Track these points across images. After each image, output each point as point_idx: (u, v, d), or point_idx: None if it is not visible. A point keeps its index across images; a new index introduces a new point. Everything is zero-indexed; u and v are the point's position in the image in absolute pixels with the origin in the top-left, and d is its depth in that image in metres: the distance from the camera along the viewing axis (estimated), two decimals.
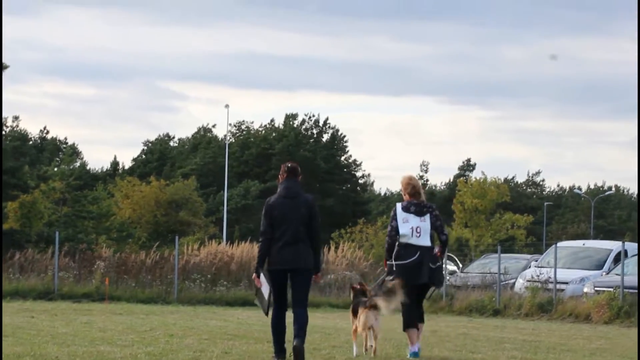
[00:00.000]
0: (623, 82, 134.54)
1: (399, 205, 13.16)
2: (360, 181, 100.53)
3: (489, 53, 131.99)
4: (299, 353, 11.57)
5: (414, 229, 12.97)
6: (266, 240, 11.78)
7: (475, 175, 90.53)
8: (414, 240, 12.97)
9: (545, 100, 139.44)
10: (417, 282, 12.96)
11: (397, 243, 13.04)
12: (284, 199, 11.78)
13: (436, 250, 13.15)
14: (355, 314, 12.93)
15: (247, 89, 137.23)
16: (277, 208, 11.76)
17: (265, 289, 11.94)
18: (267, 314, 12.00)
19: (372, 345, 12.87)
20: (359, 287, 13.22)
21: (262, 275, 11.90)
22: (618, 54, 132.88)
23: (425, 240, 13.01)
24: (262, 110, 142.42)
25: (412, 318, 13.07)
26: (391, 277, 12.93)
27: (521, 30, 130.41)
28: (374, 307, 12.66)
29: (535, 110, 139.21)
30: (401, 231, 12.99)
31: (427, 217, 13.04)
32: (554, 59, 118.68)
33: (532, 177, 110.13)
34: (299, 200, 11.78)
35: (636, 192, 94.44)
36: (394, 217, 13.08)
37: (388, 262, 13.13)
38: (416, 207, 13.06)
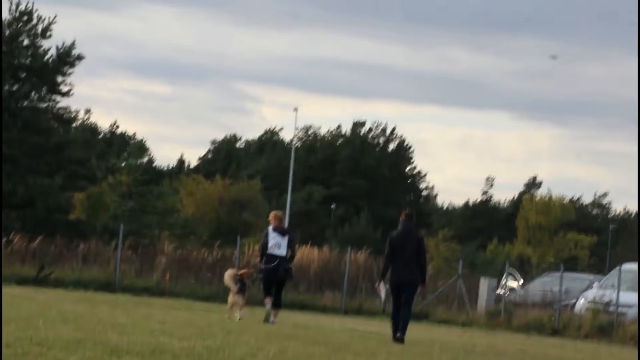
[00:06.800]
0: None
1: (270, 228, 19.66)
2: (423, 193, 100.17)
3: (568, 70, 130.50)
4: (399, 341, 16.96)
5: (276, 244, 19.54)
6: (388, 261, 17.40)
7: (541, 193, 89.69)
8: (275, 251, 19.52)
9: (622, 121, 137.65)
10: (276, 279, 19.64)
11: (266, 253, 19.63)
12: (402, 234, 17.48)
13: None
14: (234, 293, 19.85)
15: (319, 93, 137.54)
16: (398, 240, 17.41)
17: (383, 293, 18.01)
18: (383, 310, 19.47)
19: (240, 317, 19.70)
20: (239, 276, 19.85)
21: (382, 283, 17.67)
22: None
23: (282, 252, 19.56)
24: (331, 115, 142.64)
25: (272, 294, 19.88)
26: (260, 275, 19.87)
27: (603, 49, 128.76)
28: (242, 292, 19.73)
29: (611, 131, 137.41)
30: (269, 244, 19.50)
31: (286, 237, 19.59)
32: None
33: (599, 198, 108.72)
34: (412, 235, 17.54)
35: None
36: (266, 235, 19.63)
37: (259, 265, 19.84)
38: (280, 230, 19.67)
